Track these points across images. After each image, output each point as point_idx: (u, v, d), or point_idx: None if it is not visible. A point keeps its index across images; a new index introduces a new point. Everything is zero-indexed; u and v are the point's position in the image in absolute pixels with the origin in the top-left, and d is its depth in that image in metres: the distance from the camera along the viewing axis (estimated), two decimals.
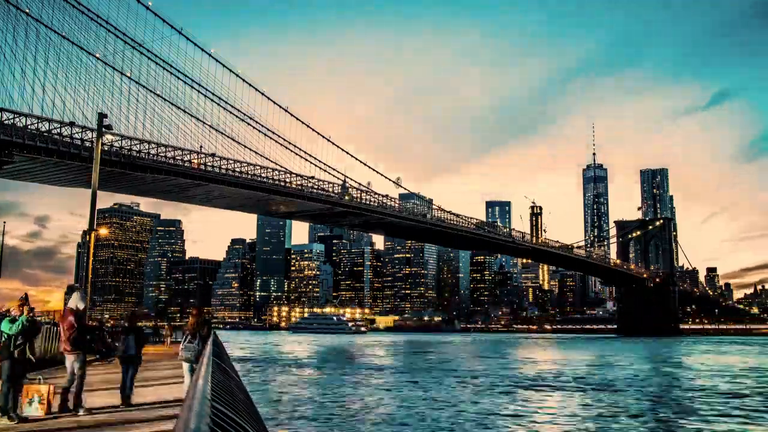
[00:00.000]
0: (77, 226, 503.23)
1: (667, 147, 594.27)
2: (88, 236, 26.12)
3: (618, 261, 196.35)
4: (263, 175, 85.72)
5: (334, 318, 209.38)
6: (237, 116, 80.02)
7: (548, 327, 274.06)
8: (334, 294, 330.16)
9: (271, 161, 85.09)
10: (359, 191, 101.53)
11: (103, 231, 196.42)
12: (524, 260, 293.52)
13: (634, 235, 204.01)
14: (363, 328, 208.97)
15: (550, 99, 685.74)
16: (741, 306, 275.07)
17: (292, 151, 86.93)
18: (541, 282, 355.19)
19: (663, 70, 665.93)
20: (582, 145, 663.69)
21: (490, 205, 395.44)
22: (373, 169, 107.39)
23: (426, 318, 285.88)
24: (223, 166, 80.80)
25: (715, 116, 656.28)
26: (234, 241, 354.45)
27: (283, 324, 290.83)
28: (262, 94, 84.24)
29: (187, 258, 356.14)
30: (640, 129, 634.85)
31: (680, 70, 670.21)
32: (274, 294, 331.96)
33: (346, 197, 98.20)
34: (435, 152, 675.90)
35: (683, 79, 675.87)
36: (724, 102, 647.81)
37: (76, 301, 10.01)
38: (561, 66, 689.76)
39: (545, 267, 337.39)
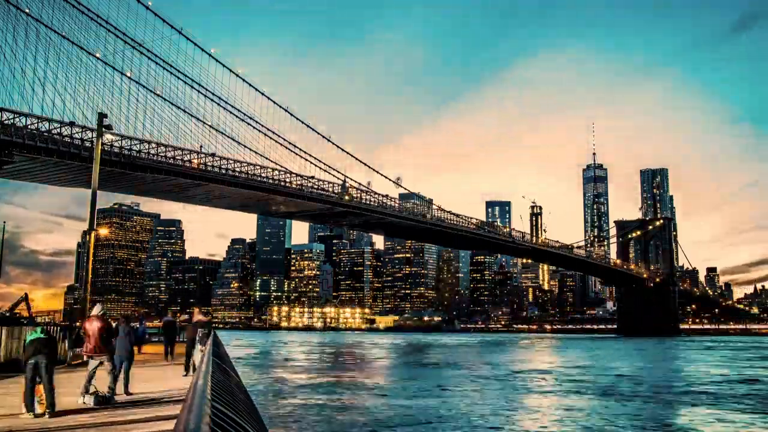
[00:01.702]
0: (30, 216, 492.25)
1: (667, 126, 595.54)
2: (88, 236, 26.11)
3: (618, 261, 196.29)
4: (263, 175, 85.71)
5: None
6: (237, 116, 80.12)
7: (548, 327, 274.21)
8: (334, 294, 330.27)
9: (271, 161, 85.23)
10: (359, 191, 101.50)
11: (104, 231, 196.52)
12: (524, 260, 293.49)
13: (634, 235, 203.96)
14: None
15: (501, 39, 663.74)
16: (741, 306, 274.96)
17: (292, 151, 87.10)
18: (541, 282, 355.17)
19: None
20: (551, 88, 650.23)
21: (490, 205, 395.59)
22: (373, 169, 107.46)
23: (426, 318, 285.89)
24: (223, 166, 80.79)
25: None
26: (234, 241, 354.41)
27: (283, 324, 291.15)
28: (263, 94, 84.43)
29: (187, 258, 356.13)
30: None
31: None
32: (274, 294, 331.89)
33: (346, 197, 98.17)
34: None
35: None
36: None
37: (100, 310, 11.72)
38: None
39: (545, 267, 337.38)
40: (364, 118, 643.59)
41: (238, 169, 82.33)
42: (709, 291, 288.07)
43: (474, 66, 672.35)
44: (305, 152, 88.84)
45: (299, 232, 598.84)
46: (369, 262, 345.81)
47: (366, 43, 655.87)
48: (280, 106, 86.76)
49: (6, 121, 61.14)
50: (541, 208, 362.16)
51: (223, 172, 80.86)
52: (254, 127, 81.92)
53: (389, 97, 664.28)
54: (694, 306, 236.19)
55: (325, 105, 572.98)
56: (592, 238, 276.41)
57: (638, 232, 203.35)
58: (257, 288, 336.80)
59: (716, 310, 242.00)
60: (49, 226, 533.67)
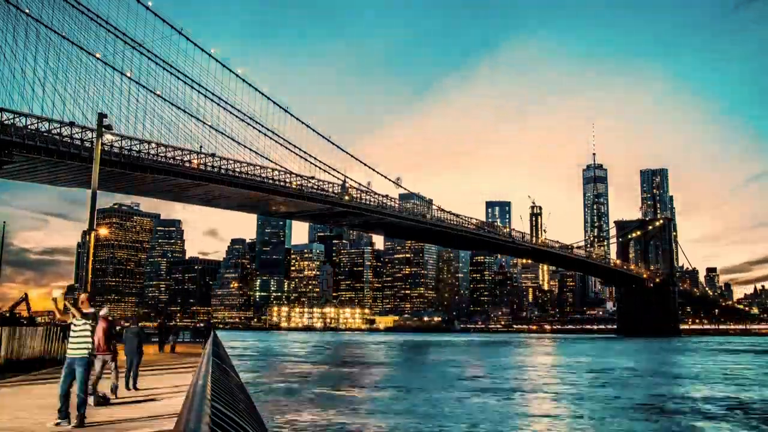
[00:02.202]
0: (17, 214, 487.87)
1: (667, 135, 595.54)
2: (88, 236, 26.06)
3: (618, 261, 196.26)
4: (263, 175, 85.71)
5: None
6: (237, 116, 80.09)
7: (548, 327, 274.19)
8: (334, 294, 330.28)
9: (271, 161, 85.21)
10: (359, 191, 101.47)
11: (104, 231, 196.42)
12: (524, 260, 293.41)
13: (634, 235, 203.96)
14: None
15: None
16: (741, 306, 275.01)
17: (292, 151, 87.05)
18: (541, 282, 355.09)
19: None
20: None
21: (490, 205, 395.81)
22: (373, 169, 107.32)
23: (426, 318, 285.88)
24: (223, 166, 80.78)
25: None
26: (234, 241, 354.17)
27: (283, 324, 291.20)
28: (262, 94, 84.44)
29: (187, 258, 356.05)
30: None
31: None
32: (274, 294, 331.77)
33: (346, 197, 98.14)
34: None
35: None
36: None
37: (106, 312, 12.43)
38: None
39: (545, 267, 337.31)
40: (346, 105, 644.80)
41: (237, 170, 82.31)
42: (709, 291, 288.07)
43: (470, 60, 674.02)
44: (305, 152, 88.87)
45: (299, 232, 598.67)
46: (369, 263, 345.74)
47: (354, 30, 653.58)
48: (280, 106, 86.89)
49: (6, 121, 61.15)
50: (541, 208, 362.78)
51: (223, 172, 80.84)
52: (254, 127, 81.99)
53: (372, 85, 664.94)
54: (694, 306, 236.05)
55: (306, 94, 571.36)
56: (592, 239, 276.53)
57: (638, 232, 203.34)
58: (257, 288, 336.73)
59: (716, 311, 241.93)
60: (37, 224, 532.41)
